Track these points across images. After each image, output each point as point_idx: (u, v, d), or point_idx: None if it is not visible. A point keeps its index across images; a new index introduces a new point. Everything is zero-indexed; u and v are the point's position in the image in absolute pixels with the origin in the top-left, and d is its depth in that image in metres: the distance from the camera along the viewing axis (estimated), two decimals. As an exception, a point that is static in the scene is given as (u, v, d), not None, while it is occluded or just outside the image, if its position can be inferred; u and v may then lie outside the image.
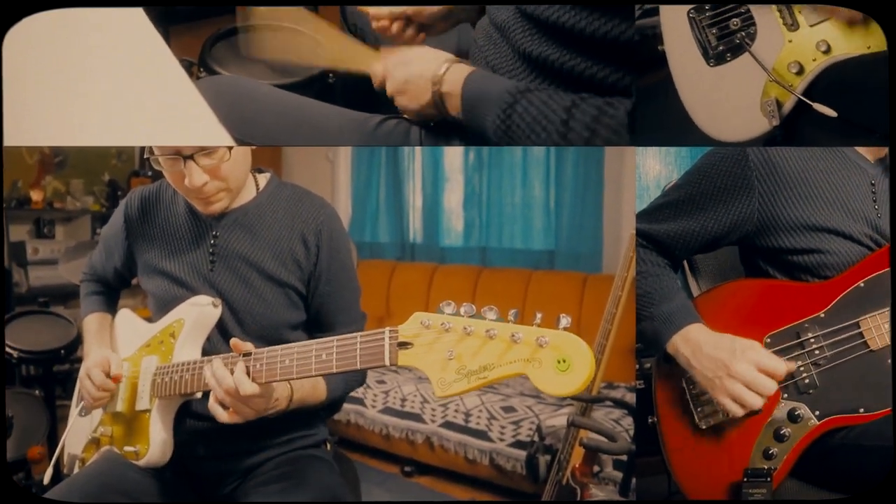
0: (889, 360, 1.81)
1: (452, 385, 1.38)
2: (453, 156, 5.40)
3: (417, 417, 4.19)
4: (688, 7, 2.01)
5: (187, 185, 1.83)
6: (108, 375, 1.92)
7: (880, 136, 1.86)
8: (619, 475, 2.56)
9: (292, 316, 1.95)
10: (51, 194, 5.33)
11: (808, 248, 1.90)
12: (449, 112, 1.88)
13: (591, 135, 1.68)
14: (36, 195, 5.18)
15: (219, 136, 1.77)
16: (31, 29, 1.88)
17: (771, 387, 1.80)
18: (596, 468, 2.48)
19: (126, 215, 2.07)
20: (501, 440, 3.81)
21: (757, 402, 1.80)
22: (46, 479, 1.98)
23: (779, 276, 1.95)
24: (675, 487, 1.98)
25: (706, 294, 2.04)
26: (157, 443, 1.86)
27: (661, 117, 2.14)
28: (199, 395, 1.84)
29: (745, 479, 1.82)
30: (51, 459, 2.03)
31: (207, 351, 1.89)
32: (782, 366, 1.81)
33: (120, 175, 5.61)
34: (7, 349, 3.22)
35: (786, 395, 1.85)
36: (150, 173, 5.35)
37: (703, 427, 1.91)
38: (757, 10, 1.94)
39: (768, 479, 1.81)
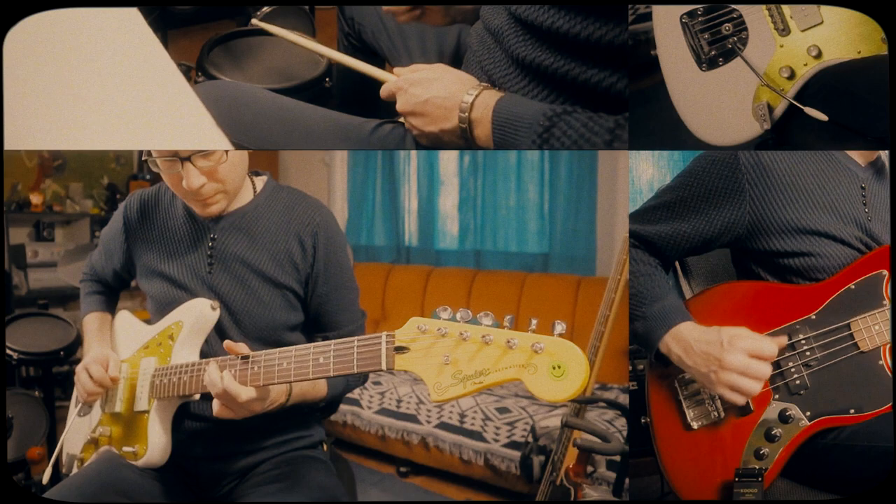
0: (880, 361, 1.83)
1: (448, 390, 1.39)
2: (448, 160, 5.42)
3: (413, 418, 4.19)
4: (681, 12, 2.02)
5: (185, 187, 1.84)
6: (106, 371, 1.94)
7: (870, 139, 1.87)
8: (612, 475, 2.57)
9: (290, 317, 1.96)
10: (50, 198, 5.33)
11: (799, 251, 1.91)
12: (475, 139, 1.82)
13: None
14: (35, 198, 5.18)
15: (216, 140, 1.78)
16: (31, 29, 1.87)
17: (766, 370, 1.81)
18: (589, 468, 2.49)
19: (125, 218, 2.08)
20: (496, 441, 3.82)
21: (756, 387, 1.81)
22: (45, 479, 1.99)
23: (770, 279, 1.96)
24: (667, 487, 1.99)
25: (698, 296, 2.05)
26: (155, 443, 1.86)
27: (654, 121, 2.16)
28: (197, 396, 1.85)
29: (737, 479, 1.83)
30: (50, 460, 2.03)
31: (206, 353, 1.90)
32: (773, 346, 1.82)
33: (119, 179, 5.62)
34: (7, 351, 3.23)
35: (777, 396, 1.86)
36: (148, 177, 5.37)
37: (696, 427, 1.92)
38: (749, 16, 1.95)
39: (760, 479, 1.82)
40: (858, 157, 1.97)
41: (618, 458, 2.52)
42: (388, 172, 5.77)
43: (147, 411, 1.89)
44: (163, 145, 1.81)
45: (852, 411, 1.82)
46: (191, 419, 1.93)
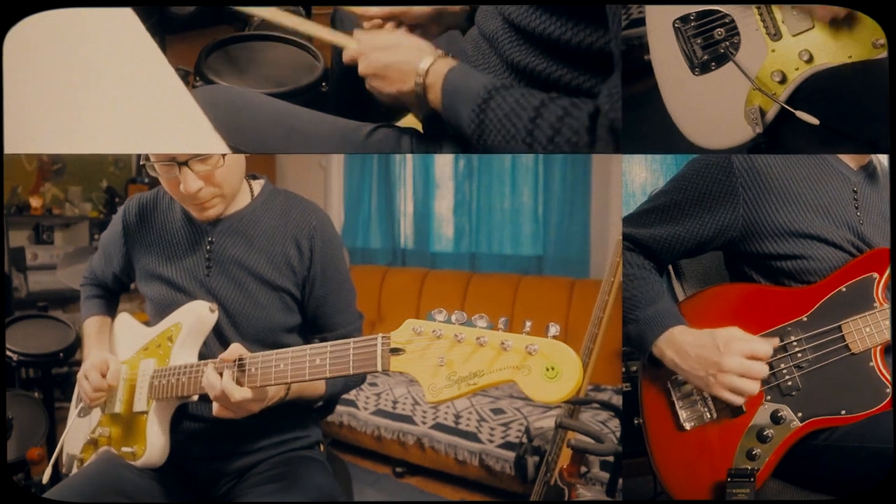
0: (870, 363, 1.84)
1: (443, 391, 1.41)
2: (444, 163, 5.41)
3: (409, 419, 4.19)
4: (674, 17, 2.03)
5: (182, 191, 1.85)
6: (104, 377, 1.95)
7: (861, 143, 1.89)
8: (605, 476, 2.58)
9: (287, 319, 1.98)
10: (50, 201, 5.32)
11: (791, 254, 1.92)
12: (429, 102, 1.86)
13: (554, 133, 1.68)
14: (35, 201, 5.17)
15: (214, 144, 1.79)
16: (31, 29, 1.88)
17: (763, 370, 1.84)
18: (583, 469, 2.50)
19: (124, 221, 2.09)
20: (491, 441, 3.82)
21: (755, 387, 1.84)
22: (45, 479, 2.00)
23: (762, 281, 1.98)
24: (660, 488, 2.00)
25: (691, 298, 2.06)
26: (153, 444, 1.87)
27: (648, 125, 2.16)
28: (195, 397, 1.86)
29: (729, 480, 1.85)
30: (50, 460, 2.04)
31: (204, 355, 1.91)
32: (767, 346, 1.85)
33: (117, 182, 5.61)
34: (7, 352, 3.23)
35: (769, 398, 1.87)
36: (146, 181, 5.35)
37: (688, 428, 1.93)
38: (741, 20, 1.96)
39: (752, 479, 1.84)
40: (850, 160, 1.98)
41: (611, 458, 2.53)
42: (384, 176, 5.76)
43: (146, 412, 1.89)
44: (161, 149, 1.82)
45: (843, 412, 1.84)
46: (189, 420, 1.94)
